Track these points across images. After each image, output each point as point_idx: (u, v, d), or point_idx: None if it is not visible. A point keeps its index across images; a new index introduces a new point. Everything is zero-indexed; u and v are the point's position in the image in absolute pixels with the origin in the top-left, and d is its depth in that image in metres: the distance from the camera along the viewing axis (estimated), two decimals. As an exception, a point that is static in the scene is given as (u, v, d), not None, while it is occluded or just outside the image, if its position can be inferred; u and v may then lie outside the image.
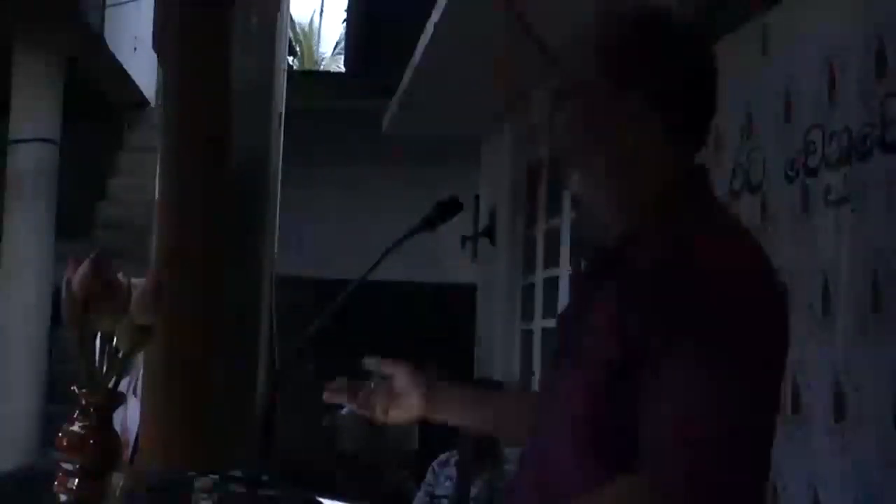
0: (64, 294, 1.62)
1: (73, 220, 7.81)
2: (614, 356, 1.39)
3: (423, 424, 2.03)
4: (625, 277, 1.46)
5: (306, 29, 16.54)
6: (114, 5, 7.31)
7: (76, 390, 1.63)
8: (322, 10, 20.13)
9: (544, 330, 5.97)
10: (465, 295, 7.64)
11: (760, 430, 1.37)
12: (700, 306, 1.36)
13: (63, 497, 1.62)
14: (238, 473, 1.94)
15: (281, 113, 4.49)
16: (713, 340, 1.34)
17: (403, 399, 1.81)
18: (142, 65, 8.06)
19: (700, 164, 1.57)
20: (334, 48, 16.02)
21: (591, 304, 1.51)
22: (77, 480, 1.62)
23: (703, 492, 1.29)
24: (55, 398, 6.76)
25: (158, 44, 4.02)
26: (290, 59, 11.54)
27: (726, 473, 1.31)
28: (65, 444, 1.63)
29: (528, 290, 6.48)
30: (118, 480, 1.74)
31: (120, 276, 1.66)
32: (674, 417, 1.32)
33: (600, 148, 1.52)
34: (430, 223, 1.87)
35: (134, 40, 7.83)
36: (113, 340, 1.63)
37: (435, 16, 5.25)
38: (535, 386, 3.70)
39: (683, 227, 1.46)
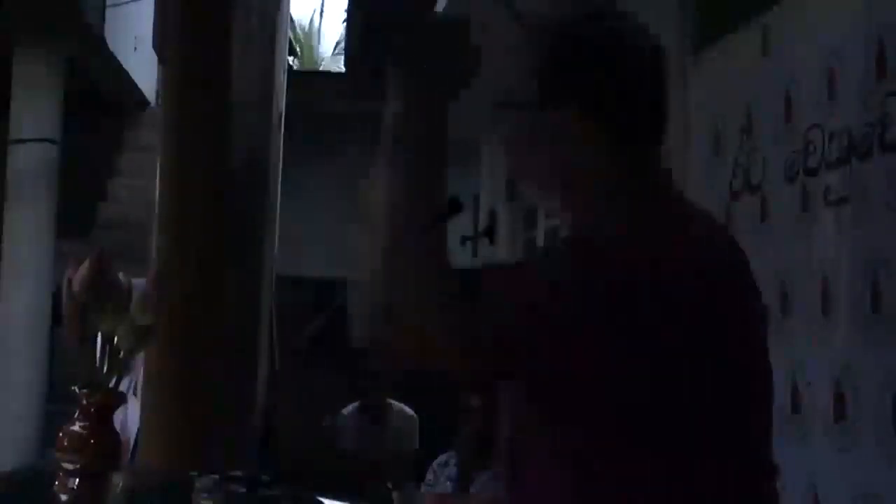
0: (64, 294, 1.62)
1: (73, 220, 7.80)
2: (549, 356, 1.40)
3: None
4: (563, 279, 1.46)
5: (306, 29, 16.53)
6: (114, 5, 7.31)
7: (76, 390, 1.63)
8: (322, 10, 20.09)
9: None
10: (465, 295, 7.62)
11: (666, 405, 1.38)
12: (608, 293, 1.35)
13: (63, 497, 1.62)
14: (238, 473, 1.95)
15: (281, 113, 4.48)
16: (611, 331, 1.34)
17: None
18: (142, 65, 8.06)
19: (664, 169, 1.53)
20: (334, 48, 16.00)
21: None
22: (77, 480, 1.62)
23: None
24: (55, 398, 6.76)
25: (158, 44, 4.02)
26: (290, 59, 11.53)
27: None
28: (65, 444, 1.63)
29: (528, 290, 6.46)
30: (118, 480, 1.74)
31: (120, 276, 1.66)
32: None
33: (543, 160, 1.51)
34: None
35: (134, 40, 7.83)
36: (113, 340, 1.64)
37: (435, 16, 5.24)
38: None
39: (624, 228, 1.44)
